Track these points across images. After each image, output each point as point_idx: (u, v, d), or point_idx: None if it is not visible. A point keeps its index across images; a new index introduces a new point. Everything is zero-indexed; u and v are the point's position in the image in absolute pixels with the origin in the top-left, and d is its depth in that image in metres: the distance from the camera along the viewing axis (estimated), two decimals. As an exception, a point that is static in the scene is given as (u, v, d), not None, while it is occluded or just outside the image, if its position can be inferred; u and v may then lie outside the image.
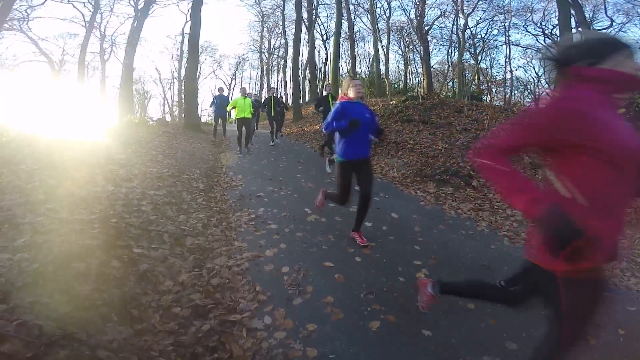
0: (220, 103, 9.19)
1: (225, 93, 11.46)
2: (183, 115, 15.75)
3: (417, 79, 23.25)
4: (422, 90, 17.18)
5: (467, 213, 3.84)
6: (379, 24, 20.51)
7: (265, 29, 31.52)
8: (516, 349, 1.73)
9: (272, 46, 33.12)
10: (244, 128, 7.41)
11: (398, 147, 6.78)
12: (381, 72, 19.60)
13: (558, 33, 14.45)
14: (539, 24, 18.95)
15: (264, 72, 35.17)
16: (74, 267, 1.84)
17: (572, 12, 13.93)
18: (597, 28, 16.33)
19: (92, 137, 6.59)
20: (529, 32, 19.71)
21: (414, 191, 4.55)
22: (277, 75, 35.20)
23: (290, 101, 21.66)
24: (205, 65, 35.84)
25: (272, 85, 31.91)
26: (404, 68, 24.97)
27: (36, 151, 4.35)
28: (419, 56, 21.34)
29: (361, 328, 1.84)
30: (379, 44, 20.40)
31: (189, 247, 2.64)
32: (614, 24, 16.36)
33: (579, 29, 15.40)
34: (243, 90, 7.71)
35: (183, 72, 20.74)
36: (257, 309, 1.96)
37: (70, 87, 20.05)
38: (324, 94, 7.30)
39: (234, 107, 7.53)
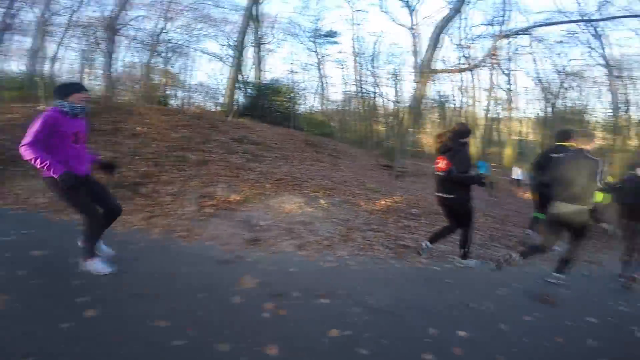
0: None
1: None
2: None
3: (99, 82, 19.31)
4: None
5: (139, 224, 3.57)
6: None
7: None
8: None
9: None
10: None
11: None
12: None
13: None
14: (228, 35, 21.68)
15: None
16: None
17: (252, 25, 16.99)
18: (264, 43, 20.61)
19: None
20: (219, 43, 22.19)
21: (65, 216, 3.58)
22: None
23: None
24: None
25: None
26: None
27: None
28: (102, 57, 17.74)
29: None
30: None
31: None
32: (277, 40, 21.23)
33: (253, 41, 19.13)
34: None
35: None
36: None
37: None
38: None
39: None
